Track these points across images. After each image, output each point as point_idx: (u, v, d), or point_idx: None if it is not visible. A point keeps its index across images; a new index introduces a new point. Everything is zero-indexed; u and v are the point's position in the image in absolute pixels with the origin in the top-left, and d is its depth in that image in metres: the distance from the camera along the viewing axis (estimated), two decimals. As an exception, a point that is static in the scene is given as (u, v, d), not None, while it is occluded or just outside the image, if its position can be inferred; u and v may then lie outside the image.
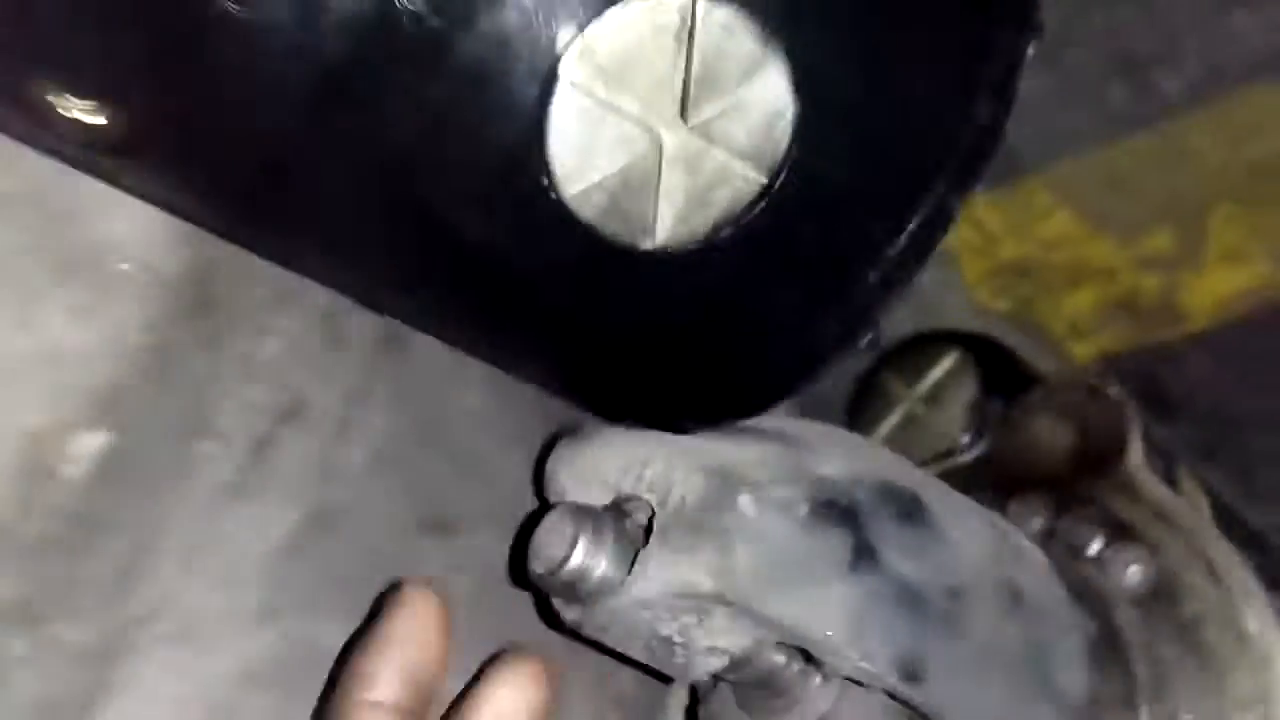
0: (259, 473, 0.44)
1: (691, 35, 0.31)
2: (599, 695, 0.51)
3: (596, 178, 0.32)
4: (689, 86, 0.31)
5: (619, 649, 0.35)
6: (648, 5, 0.30)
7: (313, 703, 0.42)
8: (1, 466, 0.41)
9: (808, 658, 0.34)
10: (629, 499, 0.35)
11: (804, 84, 0.32)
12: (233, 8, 0.27)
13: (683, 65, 0.31)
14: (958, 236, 0.87)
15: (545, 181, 0.32)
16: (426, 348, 0.49)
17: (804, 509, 0.33)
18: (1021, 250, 0.87)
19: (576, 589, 0.34)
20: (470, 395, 0.50)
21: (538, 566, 0.34)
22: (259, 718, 0.41)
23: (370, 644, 0.36)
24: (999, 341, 0.61)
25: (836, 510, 0.33)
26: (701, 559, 0.33)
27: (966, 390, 0.59)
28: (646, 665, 0.37)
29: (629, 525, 0.34)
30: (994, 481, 0.50)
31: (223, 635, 0.41)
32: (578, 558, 0.33)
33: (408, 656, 0.35)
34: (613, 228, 0.33)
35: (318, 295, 0.48)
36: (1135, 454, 0.46)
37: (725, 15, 0.31)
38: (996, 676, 0.34)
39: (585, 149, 0.31)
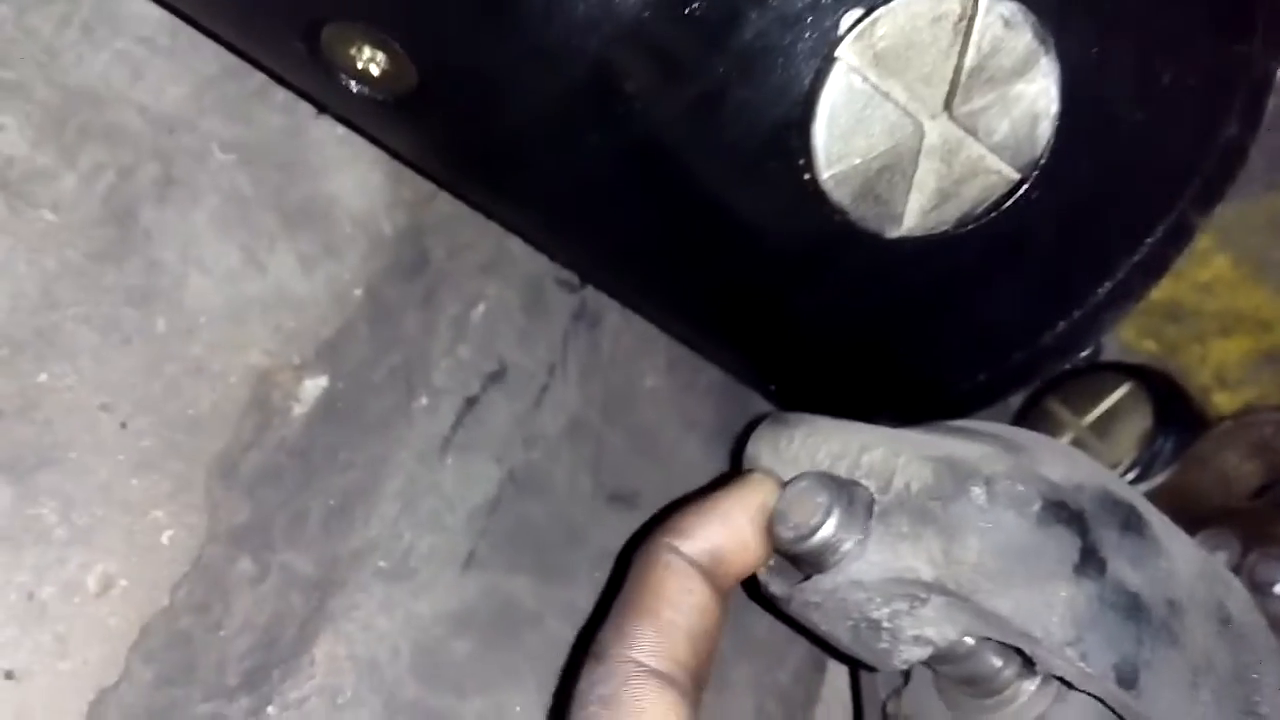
0: (469, 429, 0.46)
1: (971, 25, 0.31)
2: (760, 688, 0.51)
3: (855, 161, 0.33)
4: (960, 76, 0.32)
5: (822, 627, 0.36)
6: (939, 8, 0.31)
7: (504, 654, 0.43)
8: (231, 400, 0.43)
9: (1023, 659, 0.34)
10: (849, 482, 0.35)
11: (1071, 86, 0.33)
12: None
13: (956, 55, 0.32)
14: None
15: (804, 161, 0.33)
16: (616, 325, 0.51)
17: (1037, 505, 0.33)
18: (1174, 292, 0.85)
19: (820, 558, 0.34)
20: (652, 376, 0.51)
21: (785, 531, 0.34)
22: (458, 661, 0.43)
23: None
24: (1172, 376, 0.60)
25: (1066, 512, 0.33)
26: (924, 546, 0.33)
27: (1139, 422, 0.58)
28: (834, 649, 0.38)
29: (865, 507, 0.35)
30: (1177, 514, 0.49)
31: (432, 579, 0.43)
32: (829, 527, 0.34)
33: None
34: (861, 212, 0.34)
35: (523, 265, 0.50)
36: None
37: (1008, 9, 0.31)
38: (1206, 694, 0.34)
39: (848, 132, 0.32)
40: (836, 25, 0.31)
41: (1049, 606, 0.32)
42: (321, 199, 0.47)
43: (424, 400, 0.45)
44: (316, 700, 0.39)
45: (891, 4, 0.31)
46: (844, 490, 0.34)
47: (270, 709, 0.38)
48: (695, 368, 0.53)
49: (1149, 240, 0.36)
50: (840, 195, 0.33)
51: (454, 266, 0.48)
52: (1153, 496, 0.55)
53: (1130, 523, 0.34)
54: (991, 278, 0.36)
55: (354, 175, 0.48)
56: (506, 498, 0.45)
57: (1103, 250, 0.36)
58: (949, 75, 0.32)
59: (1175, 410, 0.58)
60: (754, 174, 0.34)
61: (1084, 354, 0.39)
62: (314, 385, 0.45)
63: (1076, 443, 0.61)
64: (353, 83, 0.34)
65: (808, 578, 0.35)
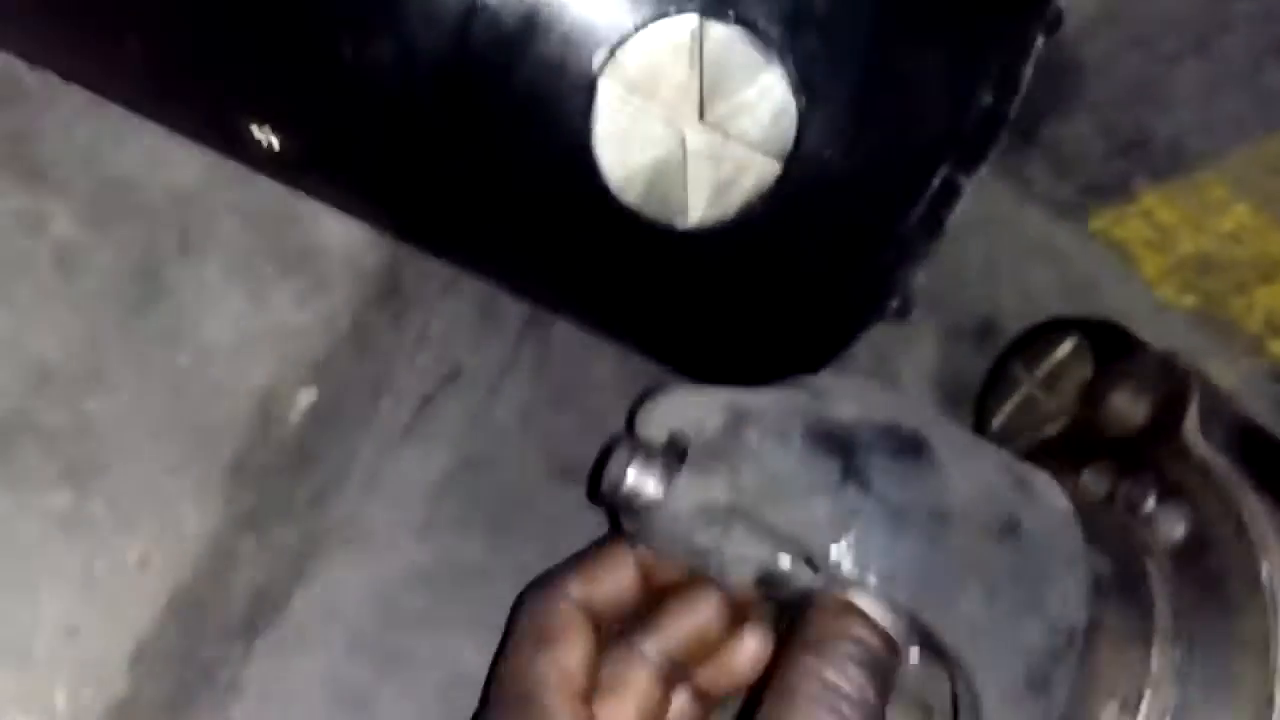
0: (424, 423, 0.55)
1: (701, 48, 0.39)
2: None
3: (634, 169, 0.40)
4: (703, 90, 0.39)
5: (668, 557, 0.43)
6: (663, 28, 0.38)
7: (457, 606, 0.52)
8: (240, 413, 0.54)
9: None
10: (679, 435, 0.43)
11: (805, 83, 0.39)
12: (346, 53, 0.38)
13: (696, 74, 0.39)
14: (1132, 233, 0.87)
15: (595, 173, 0.40)
16: (566, 328, 0.59)
17: (797, 438, 0.39)
18: (1201, 244, 0.85)
19: (631, 503, 0.42)
20: (602, 368, 0.59)
21: (603, 486, 0.42)
22: (416, 612, 0.52)
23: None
24: (1119, 325, 0.63)
25: (830, 440, 0.39)
26: (718, 478, 0.40)
27: (1080, 373, 0.61)
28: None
29: (675, 456, 0.42)
30: (1075, 449, 0.53)
31: (391, 545, 0.53)
32: (630, 479, 0.41)
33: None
34: (651, 210, 0.41)
35: (478, 283, 0.59)
36: (1191, 420, 0.48)
37: (725, 31, 0.38)
38: (975, 591, 0.39)
39: (623, 146, 0.40)
40: (591, 64, 0.39)
41: (811, 518, 0.39)
42: (313, 244, 0.58)
43: (388, 402, 0.55)
44: (293, 640, 0.49)
45: (629, 41, 0.38)
46: (641, 449, 0.41)
47: (258, 643, 0.49)
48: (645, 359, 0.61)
49: (918, 205, 0.41)
50: (630, 198, 0.41)
51: (420, 289, 0.58)
52: (1065, 435, 0.59)
53: (906, 449, 0.40)
54: (785, 252, 0.43)
55: (339, 222, 0.59)
56: (459, 476, 0.54)
57: (879, 213, 0.42)
58: (695, 90, 0.39)
59: (1120, 359, 0.61)
60: (567, 188, 0.42)
61: (894, 312, 0.44)
62: (306, 397, 0.55)
63: (1027, 398, 0.65)
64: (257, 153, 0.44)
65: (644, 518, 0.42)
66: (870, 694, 0.36)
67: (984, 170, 0.42)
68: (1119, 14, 0.72)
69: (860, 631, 0.37)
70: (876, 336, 0.50)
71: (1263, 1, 0.67)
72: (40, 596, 0.49)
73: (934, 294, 0.65)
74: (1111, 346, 0.62)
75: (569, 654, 0.40)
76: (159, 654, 0.49)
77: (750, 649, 0.42)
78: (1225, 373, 0.88)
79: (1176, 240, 0.84)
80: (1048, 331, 0.66)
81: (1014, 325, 0.77)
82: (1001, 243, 0.80)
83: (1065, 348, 0.64)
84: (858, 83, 0.40)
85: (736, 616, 0.42)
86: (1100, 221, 0.84)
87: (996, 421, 0.65)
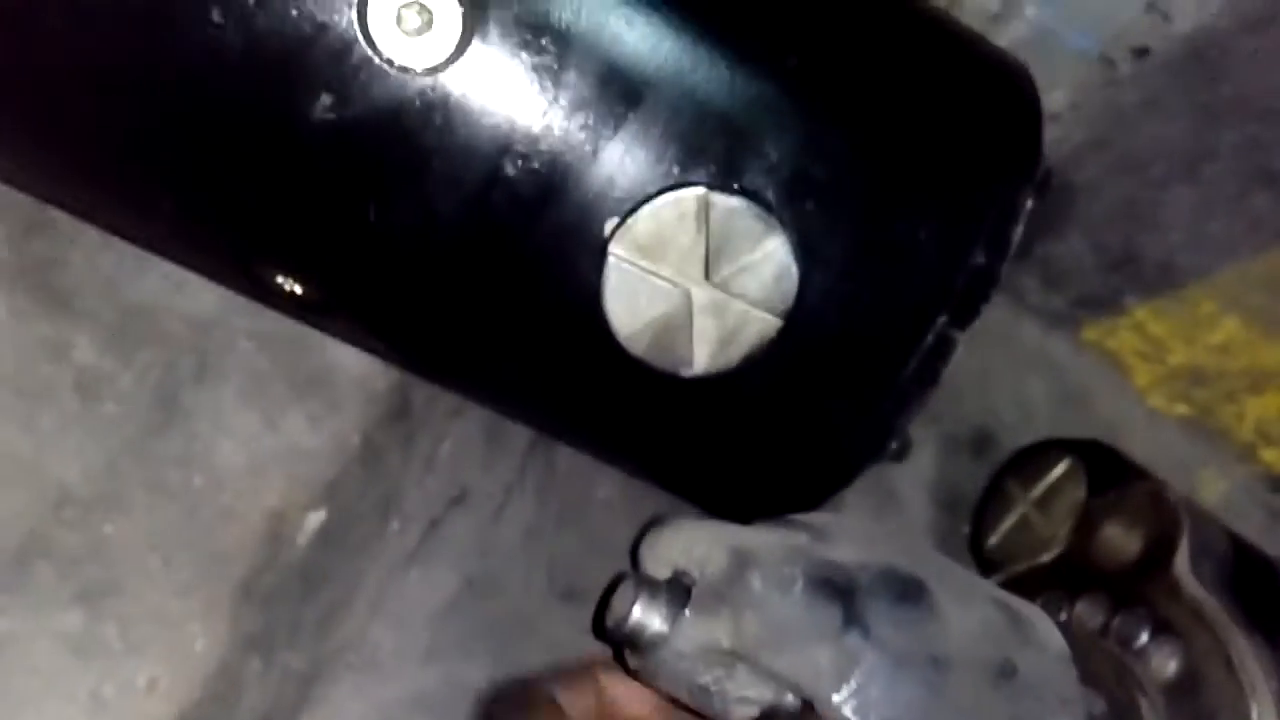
0: (431, 545, 0.56)
1: (707, 216, 0.41)
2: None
3: (642, 324, 0.42)
4: (709, 253, 0.41)
5: (670, 693, 0.44)
6: (672, 198, 0.41)
7: (462, 731, 0.53)
8: (251, 535, 0.56)
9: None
10: (684, 573, 0.44)
11: (803, 247, 0.41)
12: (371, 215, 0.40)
13: (703, 239, 0.41)
14: (1124, 344, 0.89)
15: (604, 327, 0.42)
16: (570, 450, 0.61)
17: (799, 585, 0.40)
18: (1192, 356, 0.87)
19: (636, 640, 0.43)
20: (606, 488, 0.61)
21: (608, 621, 0.43)
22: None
23: None
24: (1113, 448, 0.65)
25: (830, 587, 0.41)
26: (722, 622, 0.41)
27: (1073, 494, 0.63)
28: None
29: (680, 593, 0.43)
30: (1068, 579, 0.55)
31: (396, 669, 0.54)
32: (635, 615, 0.42)
33: None
34: (658, 360, 0.43)
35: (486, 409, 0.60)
36: (1182, 557, 0.49)
37: (730, 201, 0.41)
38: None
39: (631, 304, 0.42)
40: (603, 230, 0.41)
41: (814, 666, 0.40)
42: (326, 367, 0.60)
43: (395, 525, 0.56)
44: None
45: (640, 210, 0.40)
46: (646, 586, 0.42)
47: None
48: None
49: (915, 354, 0.43)
50: (637, 349, 0.43)
51: (429, 412, 0.60)
52: (1059, 563, 0.60)
53: (907, 593, 0.41)
54: (787, 400, 0.44)
55: (351, 348, 0.60)
56: (464, 600, 0.55)
57: (876, 367, 0.44)
58: (701, 253, 0.41)
59: (1112, 482, 0.62)
60: (573, 338, 0.44)
61: (892, 454, 0.46)
62: (315, 518, 0.57)
63: (1022, 518, 0.66)
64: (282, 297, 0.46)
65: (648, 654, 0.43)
66: None
67: (976, 324, 0.44)
68: (1110, 141, 0.74)
69: None
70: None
71: (1247, 131, 0.70)
72: (50, 717, 0.50)
73: (930, 406, 0.67)
74: (1105, 469, 0.64)
75: None
76: (167, 780, 0.50)
77: None
78: (1218, 480, 0.89)
79: (1168, 352, 0.86)
80: (1042, 451, 0.68)
81: (1010, 435, 0.79)
82: (996, 355, 0.82)
83: (1059, 469, 0.65)
84: (854, 247, 0.42)
85: None
86: (1093, 333, 0.86)
87: (993, 540, 0.67)
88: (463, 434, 0.59)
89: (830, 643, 0.40)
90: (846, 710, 0.40)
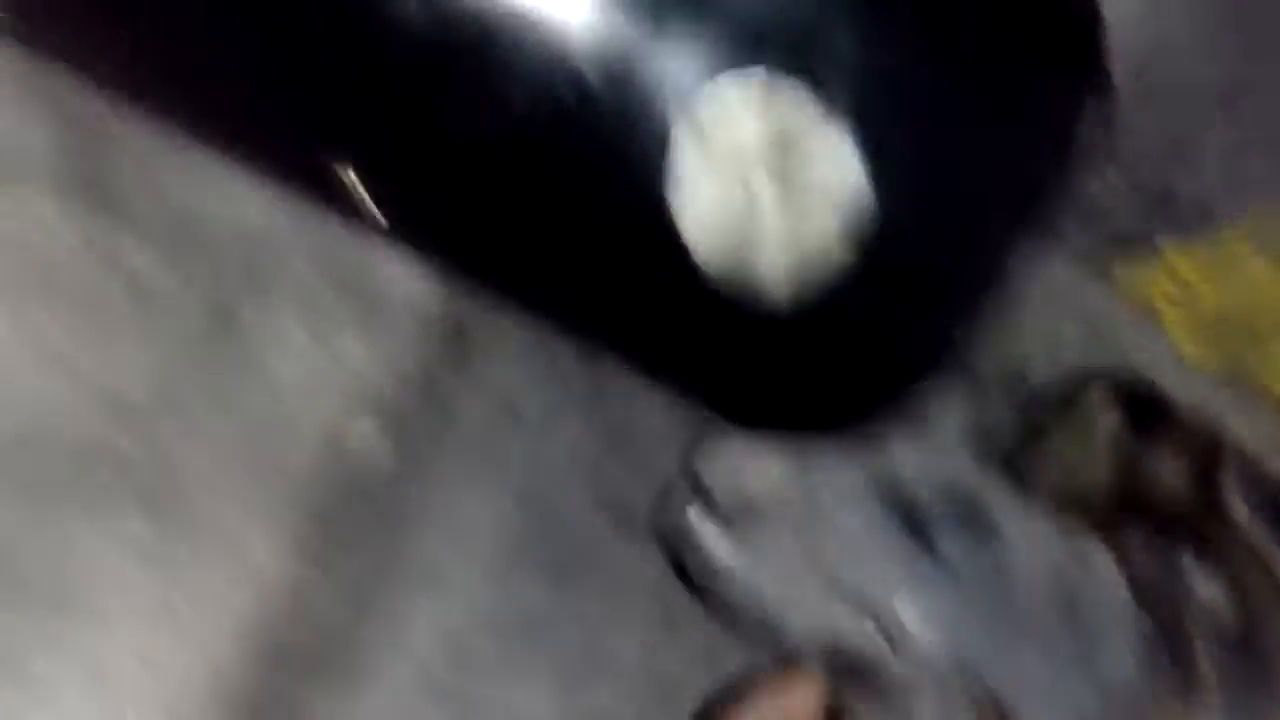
0: (484, 461, 0.57)
1: (773, 107, 0.40)
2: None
3: (704, 215, 0.42)
4: (775, 146, 0.41)
5: (738, 612, 0.45)
6: (736, 84, 0.40)
7: (526, 654, 0.54)
8: (309, 449, 0.56)
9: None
10: (750, 492, 0.45)
11: (871, 142, 0.41)
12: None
13: (770, 130, 0.41)
14: (1154, 286, 0.89)
15: (668, 219, 0.42)
16: (617, 370, 0.61)
17: (868, 502, 0.41)
18: (1222, 300, 0.88)
19: (705, 565, 0.43)
20: (655, 416, 0.61)
21: (670, 539, 0.44)
22: (485, 657, 0.54)
23: None
24: (1148, 380, 0.65)
25: (898, 505, 0.41)
26: (791, 538, 0.42)
27: (1113, 429, 0.63)
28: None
29: (746, 512, 0.44)
30: (1116, 509, 0.55)
31: (457, 586, 0.55)
32: (702, 536, 0.43)
33: None
34: (722, 258, 0.43)
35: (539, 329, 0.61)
36: (1230, 489, 0.50)
37: (795, 91, 0.40)
38: (1036, 656, 0.41)
39: (694, 193, 0.42)
40: (666, 116, 0.40)
41: (885, 585, 0.41)
42: (378, 288, 0.60)
43: (450, 437, 0.57)
44: (363, 677, 0.51)
45: (704, 97, 0.40)
46: (710, 500, 0.43)
47: (329, 678, 0.51)
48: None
49: (983, 265, 0.44)
50: (698, 243, 0.43)
51: (481, 333, 0.60)
52: (1102, 496, 0.60)
53: (968, 514, 0.42)
54: (861, 318, 0.44)
55: (405, 267, 0.60)
56: (517, 519, 0.56)
57: (944, 278, 0.44)
58: (766, 145, 0.41)
59: (1151, 418, 0.63)
60: (637, 230, 0.44)
61: (954, 374, 0.46)
62: (370, 435, 0.57)
63: (1063, 457, 0.67)
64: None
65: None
66: None
67: (1046, 237, 0.44)
68: (1147, 77, 0.74)
69: None
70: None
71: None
72: (117, 625, 0.51)
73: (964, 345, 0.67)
74: (1143, 405, 0.64)
75: None
76: (233, 688, 0.51)
77: None
78: (1246, 427, 0.90)
79: (1198, 296, 0.86)
80: (1079, 387, 0.68)
81: (1042, 379, 0.79)
82: (1029, 297, 0.82)
83: (1097, 405, 0.66)
84: (934, 158, 0.42)
85: None
86: (1125, 276, 0.86)
87: (1034, 479, 0.67)
88: (514, 353, 0.60)
89: (898, 557, 0.41)
90: (912, 622, 0.41)
